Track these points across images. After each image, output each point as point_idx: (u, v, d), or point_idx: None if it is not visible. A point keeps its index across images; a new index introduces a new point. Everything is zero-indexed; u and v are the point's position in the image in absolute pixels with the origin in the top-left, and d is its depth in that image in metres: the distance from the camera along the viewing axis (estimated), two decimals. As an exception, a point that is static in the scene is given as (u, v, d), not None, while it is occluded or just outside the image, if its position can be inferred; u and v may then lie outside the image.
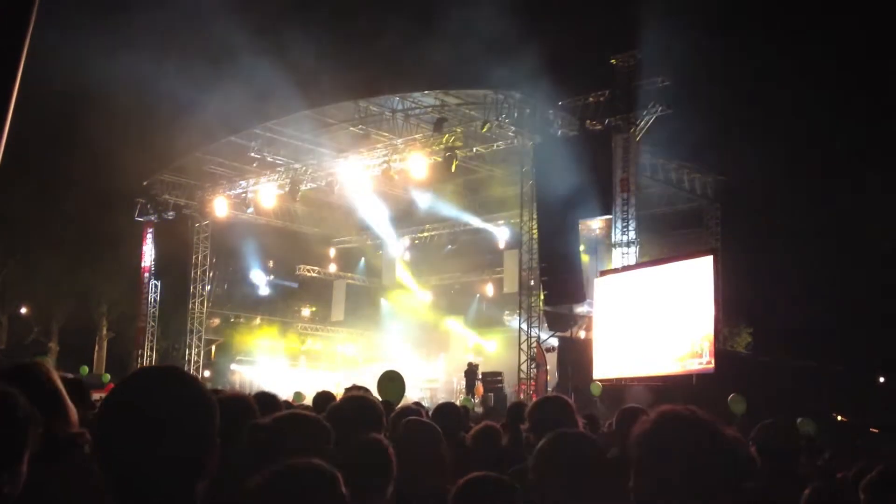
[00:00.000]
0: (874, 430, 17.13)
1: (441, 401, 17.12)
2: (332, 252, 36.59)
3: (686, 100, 22.09)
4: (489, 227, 31.00)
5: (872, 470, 3.11)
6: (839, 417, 19.28)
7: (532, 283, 22.65)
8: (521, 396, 22.82)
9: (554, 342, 22.71)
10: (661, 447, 2.12)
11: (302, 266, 36.30)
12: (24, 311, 35.90)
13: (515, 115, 22.35)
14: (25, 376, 2.76)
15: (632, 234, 21.85)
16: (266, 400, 4.14)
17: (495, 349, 31.97)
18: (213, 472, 1.85)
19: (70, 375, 4.26)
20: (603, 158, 20.86)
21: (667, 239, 27.86)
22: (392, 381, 7.97)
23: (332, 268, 36.87)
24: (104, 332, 35.56)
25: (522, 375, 22.50)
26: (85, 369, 24.62)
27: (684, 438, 2.12)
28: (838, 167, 24.80)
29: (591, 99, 22.03)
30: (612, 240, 22.50)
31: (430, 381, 30.21)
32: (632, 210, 21.89)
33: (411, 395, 25.51)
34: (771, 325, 26.25)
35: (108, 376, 27.29)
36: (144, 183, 29.17)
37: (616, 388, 18.57)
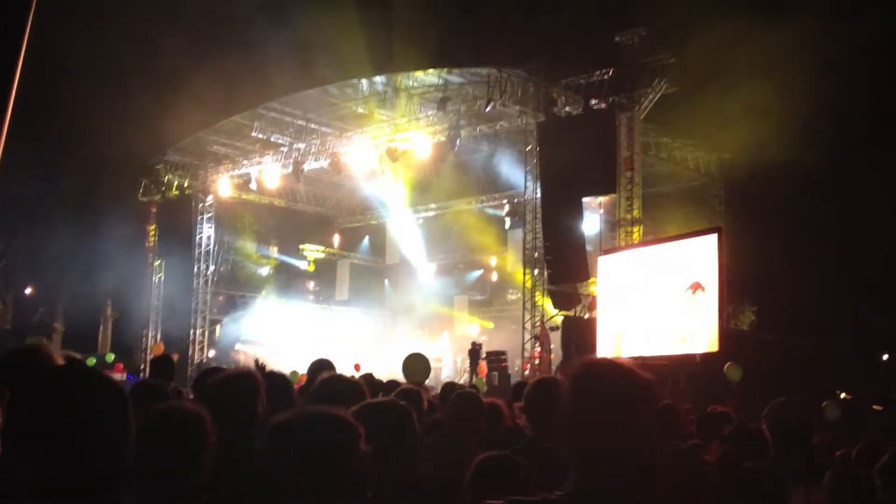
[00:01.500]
0: (877, 408, 17.16)
1: (446, 380, 17.15)
2: (336, 231, 36.57)
3: (690, 77, 21.96)
4: (493, 206, 30.95)
5: (874, 448, 3.11)
6: (843, 395, 19.30)
7: (536, 261, 22.65)
8: (526, 375, 22.90)
9: (558, 321, 22.73)
10: (583, 390, 2.21)
11: (306, 245, 36.33)
12: (28, 291, 36.00)
13: (519, 93, 22.27)
14: (26, 360, 2.78)
15: (636, 213, 21.82)
16: (276, 381, 4.15)
17: (499, 328, 32.02)
18: None
19: (78, 355, 4.28)
20: (607, 137, 20.79)
21: (671, 217, 27.82)
22: (416, 361, 7.98)
23: (336, 247, 36.87)
24: (109, 312, 35.64)
25: (526, 354, 22.56)
26: (92, 360, 24.65)
27: (603, 380, 2.22)
28: (845, 143, 24.66)
29: (595, 77, 21.92)
30: (617, 218, 22.47)
31: (434, 360, 30.20)
32: (636, 188, 21.84)
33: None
34: (775, 302, 26.22)
35: (112, 356, 27.39)
36: (148, 163, 29.15)
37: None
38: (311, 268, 37.00)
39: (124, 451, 1.92)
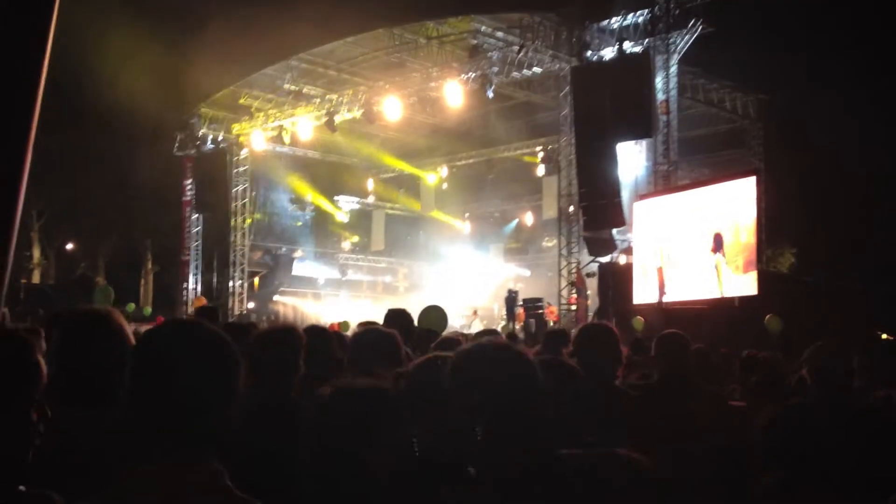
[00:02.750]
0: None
1: (483, 328, 17.23)
2: (371, 182, 36.62)
3: (727, 17, 21.51)
4: (527, 153, 30.76)
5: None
6: (884, 336, 19.11)
7: (571, 208, 22.54)
8: (555, 322, 22.96)
9: (594, 267, 22.66)
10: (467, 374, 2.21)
11: (341, 196, 36.45)
12: (70, 247, 36.59)
13: (552, 38, 21.98)
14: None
15: (672, 157, 21.58)
16: (317, 333, 4.18)
17: (536, 276, 32.04)
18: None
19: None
20: (642, 80, 20.45)
21: (708, 161, 27.53)
22: (434, 311, 8.04)
23: (372, 198, 36.94)
24: (149, 266, 36.18)
25: (563, 301, 22.57)
26: (132, 306, 25.08)
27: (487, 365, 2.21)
28: (887, 80, 24.08)
29: (629, 19, 21.55)
30: (653, 162, 22.24)
31: (471, 308, 30.38)
32: (673, 132, 21.57)
33: (454, 322, 25.77)
34: (815, 245, 25.94)
35: (149, 309, 27.83)
36: (182, 117, 29.28)
37: (658, 313, 18.53)
38: (346, 218, 37.18)
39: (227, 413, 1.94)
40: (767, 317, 14.37)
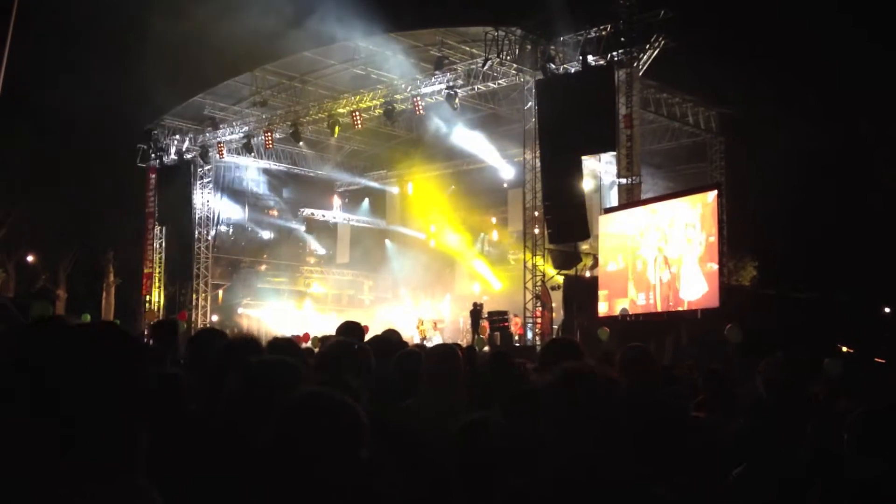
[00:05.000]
0: (880, 361, 17.23)
1: (448, 341, 17.21)
2: (337, 194, 36.51)
3: (689, 32, 21.76)
4: (493, 165, 30.85)
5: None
6: (844, 349, 19.37)
7: (536, 220, 22.63)
8: (520, 335, 23.03)
9: (559, 280, 22.75)
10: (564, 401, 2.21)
11: (306, 209, 36.30)
12: (30, 258, 36.03)
13: (517, 51, 22.10)
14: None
15: (636, 170, 21.75)
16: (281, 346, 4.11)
17: (500, 288, 32.08)
18: None
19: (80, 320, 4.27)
20: (606, 94, 20.62)
21: (671, 174, 27.76)
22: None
23: (337, 210, 36.83)
24: (111, 278, 35.70)
25: (528, 314, 22.62)
26: (87, 317, 24.73)
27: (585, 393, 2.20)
28: (844, 96, 24.53)
29: (593, 33, 21.73)
30: (616, 176, 22.40)
31: (437, 321, 30.33)
32: (635, 145, 21.73)
33: (416, 336, 25.71)
34: (776, 257, 26.25)
35: (117, 322, 27.46)
36: (145, 128, 29.03)
37: (622, 325, 18.65)
38: (309, 230, 37.04)
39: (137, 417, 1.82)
40: (728, 326, 14.52)
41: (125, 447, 1.78)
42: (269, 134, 27.54)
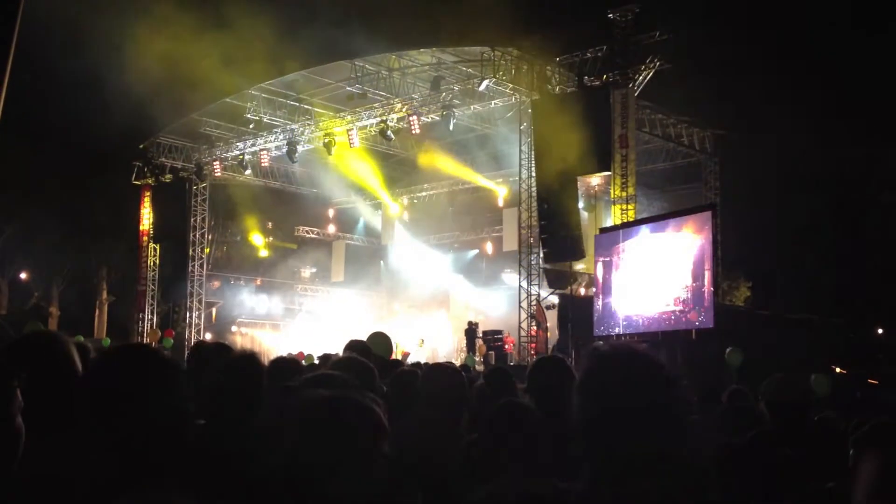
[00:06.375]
0: (873, 382, 17.27)
1: (444, 359, 17.18)
2: (331, 213, 36.52)
3: (684, 54, 21.92)
4: (488, 185, 30.91)
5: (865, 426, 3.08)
6: (838, 369, 19.40)
7: (531, 240, 22.66)
8: (515, 354, 23.00)
9: (554, 300, 22.76)
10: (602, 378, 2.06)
11: (301, 227, 36.28)
12: (23, 276, 35.93)
13: (513, 72, 22.20)
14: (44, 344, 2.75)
15: (631, 191, 21.82)
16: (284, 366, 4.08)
17: (495, 308, 32.03)
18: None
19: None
20: (601, 114, 20.72)
21: (666, 194, 27.84)
22: (380, 337, 8.01)
23: (332, 229, 36.84)
24: (104, 296, 35.61)
25: (523, 334, 22.60)
26: (80, 338, 24.61)
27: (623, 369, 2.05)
28: (839, 119, 24.66)
29: (588, 54, 21.87)
30: (612, 196, 22.47)
31: (430, 340, 30.25)
32: (631, 166, 21.84)
33: (413, 356, 25.63)
34: (770, 279, 26.32)
35: (108, 340, 27.35)
36: (141, 146, 29.03)
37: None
38: (304, 248, 37.01)
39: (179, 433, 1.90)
40: (728, 350, 14.52)
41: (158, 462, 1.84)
42: (265, 152, 27.58)
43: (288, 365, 4.03)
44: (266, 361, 3.72)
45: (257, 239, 36.39)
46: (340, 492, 1.87)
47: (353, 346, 5.47)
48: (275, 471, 1.96)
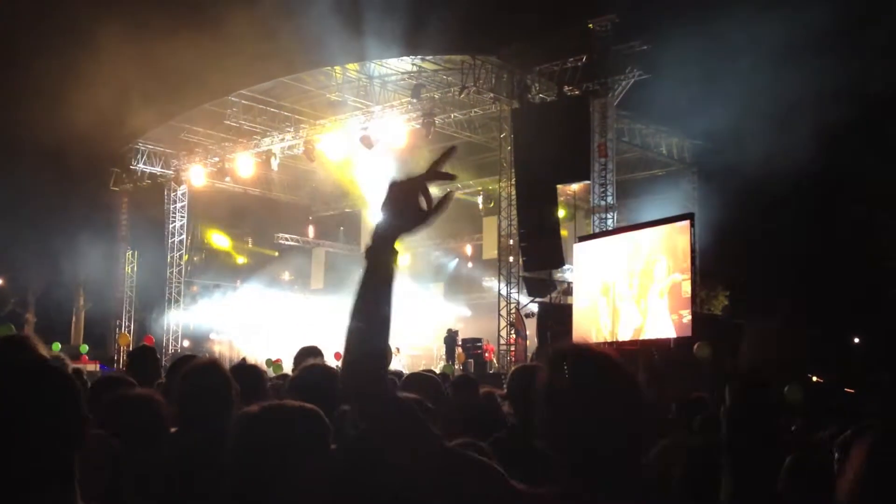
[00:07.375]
0: (849, 391, 17.38)
1: (422, 368, 17.17)
2: (311, 220, 36.44)
3: (663, 64, 22.03)
4: (468, 193, 30.95)
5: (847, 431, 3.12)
6: (814, 378, 19.53)
7: (511, 248, 22.70)
8: (495, 362, 23.02)
9: (533, 308, 22.79)
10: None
11: (280, 234, 36.17)
12: (-1, 282, 35.61)
13: (493, 80, 22.26)
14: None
15: (610, 199, 21.92)
16: (246, 371, 4.09)
17: (475, 315, 32.05)
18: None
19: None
20: (581, 123, 20.82)
21: (645, 203, 27.95)
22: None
23: (311, 236, 36.75)
24: (81, 302, 35.32)
25: (502, 342, 22.62)
26: (57, 346, 24.34)
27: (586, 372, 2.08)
28: (817, 131, 24.85)
29: (568, 64, 21.96)
30: (591, 205, 22.55)
31: (411, 348, 30.25)
32: (610, 175, 21.94)
33: (393, 363, 25.51)
34: (747, 287, 26.45)
35: (85, 347, 27.11)
36: (119, 152, 28.85)
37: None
38: (283, 256, 36.90)
39: (71, 449, 1.80)
40: (696, 345, 14.68)
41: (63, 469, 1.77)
42: (244, 159, 27.49)
43: (250, 371, 4.05)
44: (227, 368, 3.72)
45: (222, 241, 36.18)
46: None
47: (304, 352, 5.45)
48: (224, 477, 1.96)
